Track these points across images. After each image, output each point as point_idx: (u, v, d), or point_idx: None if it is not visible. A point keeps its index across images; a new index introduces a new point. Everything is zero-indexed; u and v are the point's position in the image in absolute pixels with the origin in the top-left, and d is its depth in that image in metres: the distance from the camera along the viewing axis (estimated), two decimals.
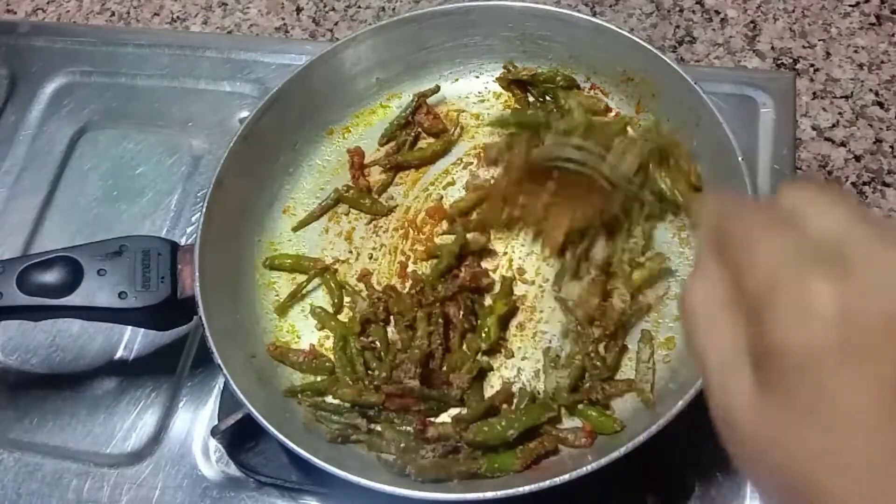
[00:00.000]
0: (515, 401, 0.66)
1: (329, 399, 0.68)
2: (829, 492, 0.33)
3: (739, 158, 0.66)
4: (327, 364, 0.70)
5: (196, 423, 0.74)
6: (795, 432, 0.34)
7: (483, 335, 0.68)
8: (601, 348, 0.65)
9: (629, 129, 0.75)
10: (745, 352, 0.36)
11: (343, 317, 0.73)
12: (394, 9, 0.98)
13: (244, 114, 0.86)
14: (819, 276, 0.34)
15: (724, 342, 0.37)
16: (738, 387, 0.36)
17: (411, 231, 0.77)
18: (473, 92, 0.83)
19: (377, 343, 0.70)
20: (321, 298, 0.74)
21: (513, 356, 0.69)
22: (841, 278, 0.33)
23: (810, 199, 0.37)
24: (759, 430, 0.35)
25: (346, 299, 0.73)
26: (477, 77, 0.83)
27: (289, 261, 0.76)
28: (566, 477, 0.56)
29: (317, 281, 0.75)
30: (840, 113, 0.83)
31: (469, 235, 0.72)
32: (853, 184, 0.79)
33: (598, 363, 0.65)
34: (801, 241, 0.35)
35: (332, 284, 0.74)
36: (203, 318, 0.65)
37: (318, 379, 0.70)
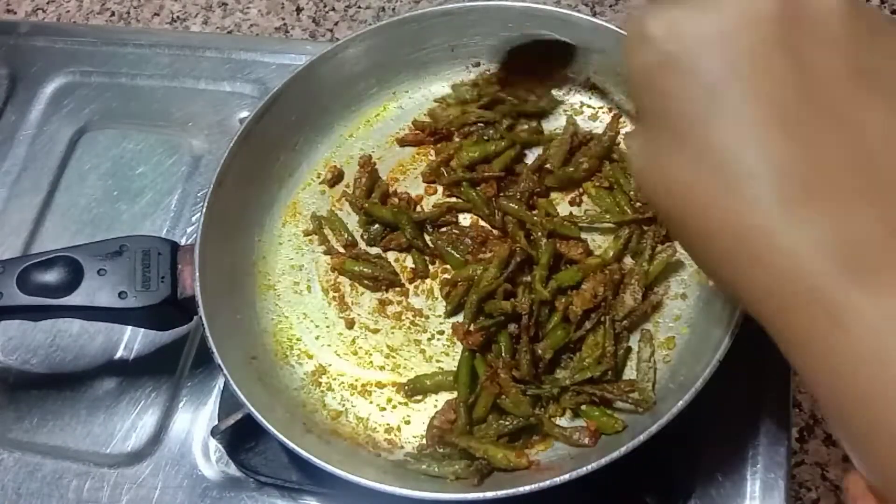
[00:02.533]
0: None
1: None
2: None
3: None
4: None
5: (196, 423, 0.74)
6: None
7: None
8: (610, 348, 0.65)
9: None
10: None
11: None
12: (394, 9, 0.98)
13: (244, 114, 0.86)
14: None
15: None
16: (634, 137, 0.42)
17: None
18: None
19: None
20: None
21: None
22: None
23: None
24: (649, 160, 0.40)
25: None
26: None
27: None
28: (566, 477, 0.56)
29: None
30: None
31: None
32: None
33: (609, 363, 0.64)
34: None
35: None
36: (203, 318, 0.65)
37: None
